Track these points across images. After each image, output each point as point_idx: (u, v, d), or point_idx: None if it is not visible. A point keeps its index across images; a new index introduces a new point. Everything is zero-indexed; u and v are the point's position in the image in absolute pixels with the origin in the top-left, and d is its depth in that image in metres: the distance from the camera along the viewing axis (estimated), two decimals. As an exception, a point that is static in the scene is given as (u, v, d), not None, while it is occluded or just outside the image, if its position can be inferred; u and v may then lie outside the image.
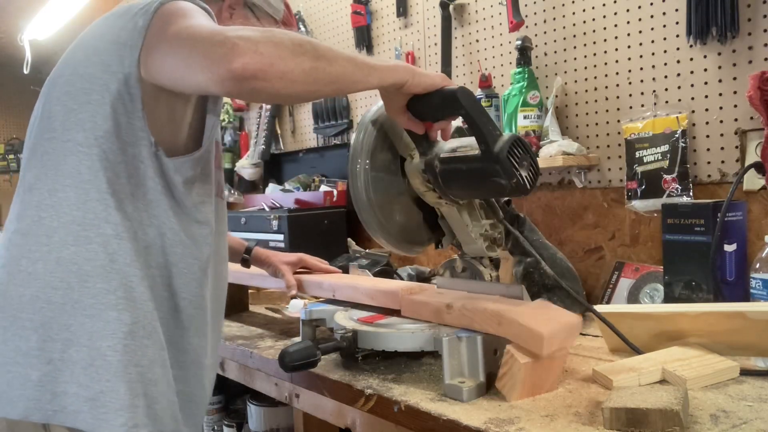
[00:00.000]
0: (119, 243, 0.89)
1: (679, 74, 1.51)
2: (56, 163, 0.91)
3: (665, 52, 1.53)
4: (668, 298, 1.36)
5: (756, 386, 0.96)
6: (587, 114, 1.71)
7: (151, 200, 0.93)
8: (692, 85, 1.48)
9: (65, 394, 0.84)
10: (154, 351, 0.90)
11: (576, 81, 1.72)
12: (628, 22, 1.59)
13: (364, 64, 0.92)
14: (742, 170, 1.36)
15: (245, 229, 2.37)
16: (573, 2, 1.71)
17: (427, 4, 2.13)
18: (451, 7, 1.99)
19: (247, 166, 2.88)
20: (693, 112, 1.49)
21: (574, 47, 1.72)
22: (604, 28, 1.65)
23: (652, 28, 1.55)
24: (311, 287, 1.40)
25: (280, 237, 2.23)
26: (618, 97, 1.63)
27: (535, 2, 1.80)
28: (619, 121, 1.62)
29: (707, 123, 1.47)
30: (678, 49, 1.50)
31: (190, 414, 1.00)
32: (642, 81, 1.58)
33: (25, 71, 3.90)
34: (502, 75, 1.89)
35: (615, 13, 1.62)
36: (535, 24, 1.80)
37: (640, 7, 1.57)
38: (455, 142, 1.11)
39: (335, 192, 2.41)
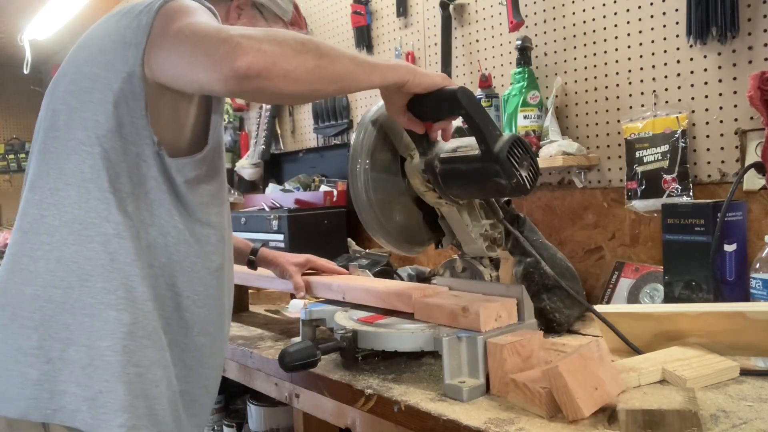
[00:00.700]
0: (120, 242, 0.89)
1: (679, 74, 1.51)
2: (59, 161, 0.91)
3: (665, 52, 1.53)
4: (668, 298, 1.36)
5: (756, 386, 0.96)
6: (587, 114, 1.71)
7: (153, 199, 0.93)
8: (692, 85, 1.49)
9: (64, 394, 0.84)
10: (154, 351, 0.90)
11: (576, 81, 1.72)
12: (628, 22, 1.59)
13: (367, 63, 0.92)
14: (742, 170, 1.36)
15: (245, 229, 2.37)
16: (573, 2, 1.71)
17: (427, 4, 2.13)
18: (451, 7, 1.99)
19: (247, 166, 2.88)
20: (693, 112, 1.49)
21: (574, 47, 1.72)
22: (604, 28, 1.65)
23: (652, 28, 1.55)
24: (320, 289, 1.38)
25: (280, 237, 2.23)
26: (618, 97, 1.63)
27: (535, 2, 1.80)
28: (619, 121, 1.62)
29: (707, 123, 1.47)
30: (678, 49, 1.50)
31: (194, 414, 1.00)
32: (642, 81, 1.58)
33: (25, 71, 3.90)
34: (502, 75, 1.89)
35: (615, 13, 1.62)
36: (535, 24, 1.80)
37: (640, 7, 1.57)
38: (455, 142, 1.11)
39: (335, 192, 2.41)
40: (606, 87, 1.66)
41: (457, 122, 1.20)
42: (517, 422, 0.86)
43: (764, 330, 1.00)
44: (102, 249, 0.88)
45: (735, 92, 1.41)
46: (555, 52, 1.76)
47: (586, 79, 1.70)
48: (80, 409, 0.84)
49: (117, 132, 0.90)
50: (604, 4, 1.64)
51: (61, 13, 3.58)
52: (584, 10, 1.69)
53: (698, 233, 1.30)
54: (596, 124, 1.69)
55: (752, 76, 1.31)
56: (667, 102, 1.53)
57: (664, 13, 1.52)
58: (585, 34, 1.69)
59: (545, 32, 1.78)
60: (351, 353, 1.10)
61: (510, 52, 1.86)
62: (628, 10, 1.59)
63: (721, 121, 1.44)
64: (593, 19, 1.67)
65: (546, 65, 1.79)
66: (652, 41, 1.55)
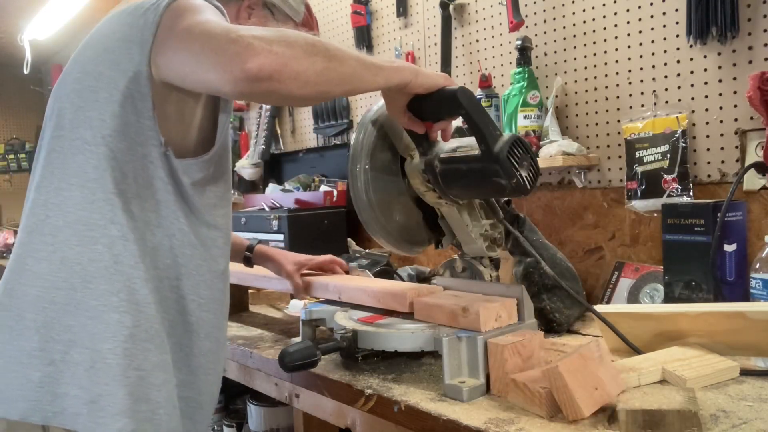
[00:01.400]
0: (124, 244, 0.88)
1: (679, 74, 1.51)
2: (63, 161, 0.90)
3: (665, 52, 1.53)
4: (668, 298, 1.36)
5: (756, 386, 0.96)
6: (587, 114, 1.71)
7: (159, 201, 0.92)
8: (692, 85, 1.48)
9: (66, 396, 0.84)
10: (157, 355, 0.89)
11: (576, 81, 1.72)
12: (628, 22, 1.59)
13: (372, 65, 0.91)
14: (742, 170, 1.36)
15: (245, 229, 2.37)
16: (573, 2, 1.71)
17: (427, 4, 2.13)
18: (451, 7, 1.99)
19: (247, 166, 2.88)
20: (693, 112, 1.49)
21: (574, 47, 1.72)
22: (604, 28, 1.65)
23: (652, 28, 1.55)
24: (317, 289, 1.37)
25: (280, 237, 2.23)
26: (618, 97, 1.63)
27: (535, 2, 1.80)
28: (619, 121, 1.62)
29: (707, 123, 1.47)
30: (678, 49, 1.50)
31: (197, 420, 0.99)
32: (642, 81, 1.58)
33: (25, 71, 3.91)
34: (502, 75, 1.89)
35: (615, 13, 1.62)
36: (535, 24, 1.80)
37: (640, 7, 1.57)
38: (455, 142, 1.11)
39: (335, 192, 2.41)
40: (606, 87, 1.66)
41: (458, 122, 1.20)
42: (517, 422, 0.86)
43: (764, 330, 1.00)
44: (106, 251, 0.88)
45: (735, 92, 1.41)
46: (555, 52, 1.76)
47: (586, 79, 1.70)
48: (81, 412, 0.83)
49: (123, 132, 0.89)
50: (604, 4, 1.64)
51: (61, 13, 3.58)
52: (584, 10, 1.69)
53: (698, 233, 1.30)
54: (596, 124, 1.69)
55: (752, 76, 1.31)
56: (667, 102, 1.53)
57: (664, 13, 1.52)
58: (585, 34, 1.69)
59: (545, 32, 1.78)
60: (351, 353, 1.10)
61: (510, 52, 1.86)
62: (628, 10, 1.59)
63: (721, 121, 1.44)
64: (593, 19, 1.67)
65: (546, 65, 1.79)
66: (652, 41, 1.55)
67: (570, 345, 1.23)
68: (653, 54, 1.55)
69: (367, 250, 2.03)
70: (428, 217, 1.23)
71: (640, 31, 1.57)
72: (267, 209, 2.43)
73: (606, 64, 1.65)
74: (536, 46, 1.79)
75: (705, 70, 1.46)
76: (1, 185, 5.06)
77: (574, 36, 1.71)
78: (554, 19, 1.76)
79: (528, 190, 1.01)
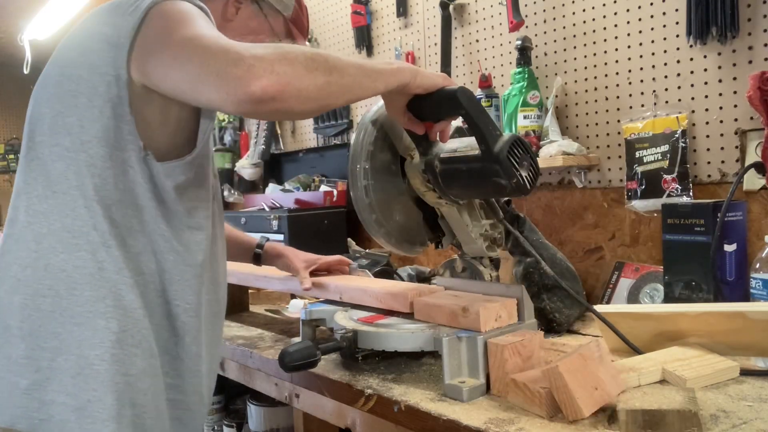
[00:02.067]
0: (107, 251, 0.87)
1: (679, 74, 1.51)
2: (45, 168, 0.89)
3: (665, 52, 1.53)
4: (668, 298, 1.36)
5: (756, 386, 0.96)
6: (587, 114, 1.71)
7: (140, 206, 0.91)
8: (692, 85, 1.48)
9: (53, 403, 0.83)
10: (143, 360, 0.88)
11: (576, 81, 1.72)
12: (628, 22, 1.59)
13: (372, 70, 0.91)
14: (742, 170, 1.36)
15: (245, 229, 2.35)
16: (573, 2, 1.71)
17: (427, 4, 2.13)
18: (451, 7, 1.99)
19: (247, 166, 2.88)
20: (693, 112, 1.49)
21: (574, 47, 1.72)
22: (604, 28, 1.65)
23: (652, 28, 1.55)
24: (318, 289, 1.36)
25: (280, 237, 2.23)
26: (618, 97, 1.63)
27: (535, 2, 1.80)
28: (619, 121, 1.62)
29: (707, 123, 1.47)
30: (678, 49, 1.50)
31: (187, 422, 0.98)
32: (642, 81, 1.58)
33: (25, 71, 3.90)
34: (502, 75, 1.89)
35: (615, 13, 1.62)
36: (535, 24, 1.80)
37: (640, 7, 1.57)
38: (455, 143, 1.11)
39: (335, 192, 2.41)
40: (606, 87, 1.66)
41: (458, 122, 1.20)
42: (517, 422, 0.86)
43: (764, 330, 1.00)
44: (90, 257, 0.87)
45: (735, 92, 1.41)
46: (555, 52, 1.76)
47: (586, 79, 1.70)
48: (68, 419, 0.83)
49: (103, 138, 0.88)
50: (604, 4, 1.64)
51: (61, 13, 3.57)
52: (584, 10, 1.69)
53: (698, 233, 1.30)
54: (596, 124, 1.69)
55: (752, 76, 1.31)
56: (667, 102, 1.53)
57: (664, 13, 1.52)
58: (585, 34, 1.69)
59: (545, 32, 1.78)
60: (351, 353, 1.10)
61: (510, 52, 1.86)
62: (628, 10, 1.59)
63: (721, 121, 1.44)
64: (593, 19, 1.67)
65: (546, 65, 1.79)
66: (652, 41, 1.55)
67: (570, 345, 1.23)
68: (653, 54, 1.55)
69: (367, 250, 2.03)
70: (428, 217, 1.23)
71: (640, 31, 1.57)
72: (267, 209, 2.43)
73: (606, 64, 1.65)
74: (536, 46, 1.79)
75: (705, 70, 1.46)
76: (1, 185, 5.06)
77: (574, 36, 1.71)
78: (554, 19, 1.76)
79: (528, 190, 1.01)
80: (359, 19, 2.35)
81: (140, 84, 0.87)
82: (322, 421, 1.28)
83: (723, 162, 1.44)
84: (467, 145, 1.07)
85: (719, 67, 1.44)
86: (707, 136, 1.47)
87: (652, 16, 1.55)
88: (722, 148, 1.44)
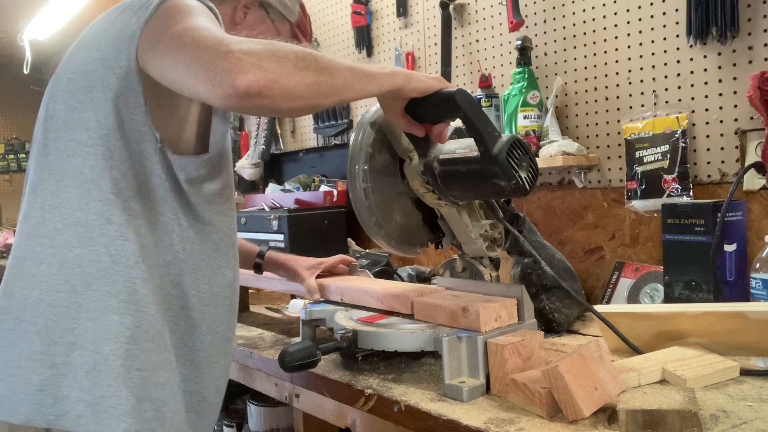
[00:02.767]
0: (123, 244, 0.88)
1: (679, 74, 1.51)
2: (60, 163, 0.90)
3: (665, 52, 1.53)
4: (668, 298, 1.36)
5: (756, 386, 0.96)
6: (587, 114, 1.71)
7: (157, 198, 0.92)
8: (692, 85, 1.48)
9: (67, 399, 0.84)
10: (158, 354, 0.89)
11: (576, 81, 1.72)
12: (628, 22, 1.59)
13: (363, 73, 0.91)
14: (742, 170, 1.36)
15: (245, 229, 2.37)
16: (573, 2, 1.71)
17: (427, 4, 2.13)
18: (451, 7, 1.99)
19: (247, 166, 2.88)
20: (693, 112, 1.49)
21: (574, 47, 1.72)
22: (604, 28, 1.65)
23: (652, 28, 1.55)
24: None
25: (280, 237, 2.23)
26: (618, 97, 1.63)
27: (535, 2, 1.80)
28: (619, 121, 1.62)
29: (707, 123, 1.47)
30: (678, 49, 1.50)
31: (203, 415, 0.99)
32: (642, 81, 1.58)
33: (25, 71, 3.90)
34: (502, 75, 1.89)
35: (615, 13, 1.62)
36: (535, 24, 1.80)
37: (640, 7, 1.57)
38: (454, 144, 1.11)
39: (335, 192, 2.41)
40: (606, 87, 1.66)
41: (457, 123, 1.20)
42: (517, 422, 0.86)
43: (764, 330, 1.00)
44: (104, 251, 0.88)
45: (735, 92, 1.41)
46: (555, 52, 1.76)
47: (586, 79, 1.70)
48: (83, 415, 0.83)
49: (118, 131, 0.89)
50: (604, 4, 1.64)
51: (61, 13, 3.57)
52: (584, 10, 1.69)
53: (698, 233, 1.30)
54: (596, 124, 1.69)
55: (752, 76, 1.31)
56: (667, 102, 1.53)
57: (664, 13, 1.52)
58: (585, 34, 1.69)
59: (545, 32, 1.78)
60: (351, 353, 1.10)
61: (510, 52, 1.86)
62: (628, 10, 1.59)
63: (721, 121, 1.44)
64: (593, 19, 1.67)
65: (546, 65, 1.79)
66: (652, 41, 1.55)
67: (570, 345, 1.23)
68: (653, 54, 1.55)
69: (367, 250, 2.03)
70: (428, 217, 1.23)
71: (640, 31, 1.57)
72: (267, 209, 2.43)
73: (606, 64, 1.65)
74: (536, 46, 1.79)
75: (705, 70, 1.46)
76: (1, 185, 5.06)
77: (574, 36, 1.71)
78: (554, 19, 1.76)
79: (527, 191, 1.01)
80: (359, 19, 2.35)
81: (148, 75, 0.88)
82: (322, 421, 1.28)
83: (723, 162, 1.44)
84: (466, 146, 1.07)
85: (719, 67, 1.44)
86: (707, 136, 1.47)
87: (652, 16, 1.55)
88: (722, 148, 1.44)
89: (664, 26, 1.52)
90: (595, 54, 1.67)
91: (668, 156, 1.50)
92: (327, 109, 2.55)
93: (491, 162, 0.99)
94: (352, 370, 1.13)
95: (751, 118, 1.38)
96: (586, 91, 1.70)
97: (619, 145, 1.63)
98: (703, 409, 0.87)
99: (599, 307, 1.15)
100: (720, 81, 1.44)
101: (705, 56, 1.46)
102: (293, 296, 1.76)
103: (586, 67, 1.69)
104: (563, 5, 1.73)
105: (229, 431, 2.33)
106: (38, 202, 0.91)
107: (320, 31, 2.60)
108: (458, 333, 1.00)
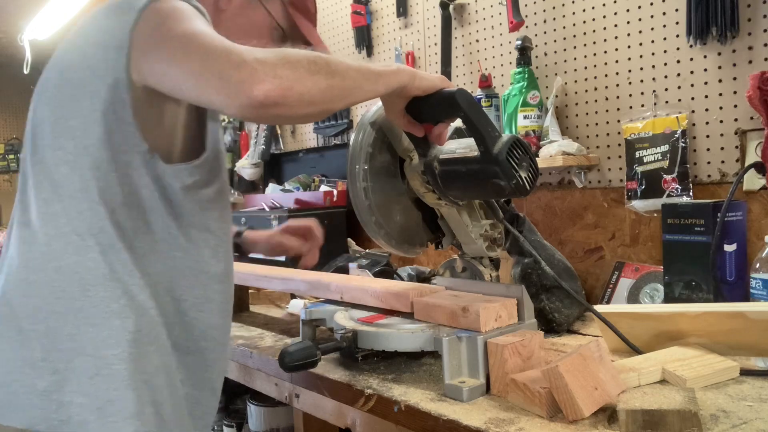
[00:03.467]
0: (116, 253, 0.88)
1: (679, 74, 1.51)
2: (49, 172, 0.89)
3: (665, 52, 1.53)
4: (668, 298, 1.36)
5: (756, 386, 0.96)
6: (587, 114, 1.71)
7: (146, 207, 0.91)
8: (692, 85, 1.49)
9: (71, 404, 0.83)
10: (158, 357, 0.89)
11: (576, 81, 1.72)
12: (628, 22, 1.59)
13: (371, 73, 0.91)
14: (742, 170, 1.36)
15: (245, 229, 2.37)
16: (573, 2, 1.71)
17: (427, 4, 2.13)
18: (451, 7, 1.99)
19: (247, 166, 2.88)
20: (693, 112, 1.49)
21: (574, 47, 1.72)
22: (604, 28, 1.65)
23: (652, 28, 1.55)
24: (318, 288, 1.37)
25: (281, 237, 2.22)
26: (618, 97, 1.63)
27: (535, 2, 1.80)
28: (619, 121, 1.62)
29: (707, 123, 1.47)
30: (678, 49, 1.50)
31: (199, 417, 0.99)
32: (642, 81, 1.58)
33: (25, 71, 3.90)
34: (502, 75, 1.89)
35: (615, 13, 1.62)
36: (535, 24, 1.80)
37: (640, 7, 1.57)
38: (454, 144, 1.11)
39: (335, 192, 2.41)
40: (606, 87, 1.66)
41: (457, 123, 1.20)
42: (517, 422, 0.86)
43: (764, 330, 1.00)
44: (101, 259, 0.87)
45: (735, 92, 1.41)
46: (555, 52, 1.76)
47: (586, 79, 1.70)
48: (88, 420, 0.83)
49: (106, 141, 0.87)
50: (604, 4, 1.64)
51: (61, 13, 3.57)
52: (584, 10, 1.69)
53: (698, 233, 1.30)
54: (596, 124, 1.69)
55: (752, 76, 1.31)
56: (667, 102, 1.53)
57: (664, 13, 1.52)
58: (585, 34, 1.69)
59: (545, 32, 1.78)
60: (351, 353, 1.10)
61: (510, 52, 1.86)
62: (628, 10, 1.59)
63: (721, 121, 1.44)
64: (593, 19, 1.67)
65: (546, 65, 1.79)
66: (652, 41, 1.55)
67: (570, 345, 1.23)
68: (653, 54, 1.55)
69: (367, 250, 2.03)
70: (428, 217, 1.23)
71: (640, 31, 1.57)
72: (267, 209, 2.43)
73: (606, 64, 1.65)
74: (536, 46, 1.79)
75: (705, 70, 1.46)
76: (1, 185, 5.06)
77: (574, 36, 1.71)
78: (554, 19, 1.76)
79: (527, 191, 1.01)
80: (359, 19, 2.35)
81: (141, 86, 0.87)
82: (322, 421, 1.28)
83: (723, 162, 1.44)
84: (466, 146, 1.07)
85: (719, 67, 1.44)
86: (707, 136, 1.47)
87: (652, 16, 1.55)
88: (722, 148, 1.44)
89: (664, 26, 1.52)
90: (595, 54, 1.67)
91: (668, 156, 1.50)
92: (327, 109, 2.55)
93: (491, 162, 0.99)
94: (352, 370, 1.13)
95: (751, 118, 1.38)
96: (586, 91, 1.70)
97: (619, 145, 1.63)
98: (703, 409, 0.87)
99: (599, 307, 1.15)
100: (720, 81, 1.44)
101: (705, 56, 1.46)
102: (293, 296, 1.76)
103: (586, 67, 1.70)
104: (563, 5, 1.73)
105: (229, 431, 2.33)
106: (34, 209, 0.90)
107: (320, 31, 2.58)
108: (458, 333, 1.00)
